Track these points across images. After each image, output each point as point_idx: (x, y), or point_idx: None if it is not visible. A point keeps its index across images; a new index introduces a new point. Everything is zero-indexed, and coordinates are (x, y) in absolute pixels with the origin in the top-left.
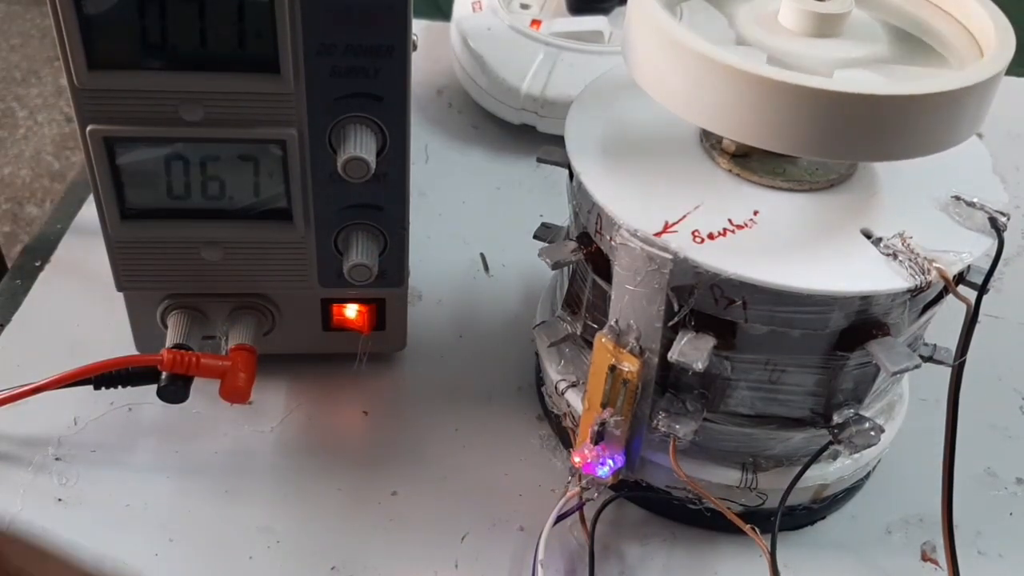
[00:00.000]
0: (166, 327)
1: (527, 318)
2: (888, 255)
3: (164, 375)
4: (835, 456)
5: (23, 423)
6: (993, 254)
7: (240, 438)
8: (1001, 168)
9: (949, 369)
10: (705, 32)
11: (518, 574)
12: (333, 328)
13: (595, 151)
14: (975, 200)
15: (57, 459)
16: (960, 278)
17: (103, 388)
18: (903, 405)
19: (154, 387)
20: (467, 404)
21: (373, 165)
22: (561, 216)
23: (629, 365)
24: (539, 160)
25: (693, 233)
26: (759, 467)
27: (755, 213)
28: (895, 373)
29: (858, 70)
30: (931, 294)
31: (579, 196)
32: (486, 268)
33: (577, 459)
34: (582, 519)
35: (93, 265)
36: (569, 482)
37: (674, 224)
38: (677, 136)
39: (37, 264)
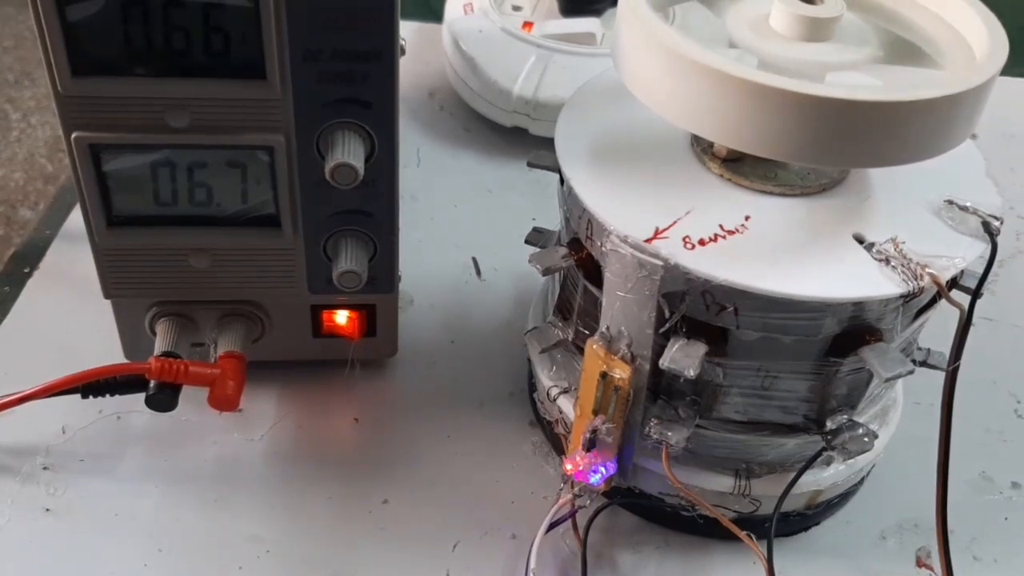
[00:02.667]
0: (154, 334)
1: (519, 323)
2: (880, 260)
3: (152, 383)
4: (829, 462)
5: (10, 432)
6: (987, 258)
7: (230, 446)
8: (995, 169)
9: (943, 373)
10: (696, 35)
11: None
12: (323, 335)
13: (585, 156)
14: (968, 204)
15: (45, 468)
16: (953, 283)
17: (91, 397)
18: (897, 410)
19: (143, 395)
20: (459, 410)
21: (361, 171)
22: (553, 219)
23: (620, 372)
24: (530, 164)
25: (684, 239)
26: (752, 473)
27: (746, 218)
28: (888, 379)
29: (850, 74)
30: (924, 299)
31: (569, 201)
32: (478, 272)
33: (569, 466)
34: (574, 527)
35: (82, 272)
36: (561, 489)
37: (665, 230)
38: (668, 141)
39: (26, 271)
